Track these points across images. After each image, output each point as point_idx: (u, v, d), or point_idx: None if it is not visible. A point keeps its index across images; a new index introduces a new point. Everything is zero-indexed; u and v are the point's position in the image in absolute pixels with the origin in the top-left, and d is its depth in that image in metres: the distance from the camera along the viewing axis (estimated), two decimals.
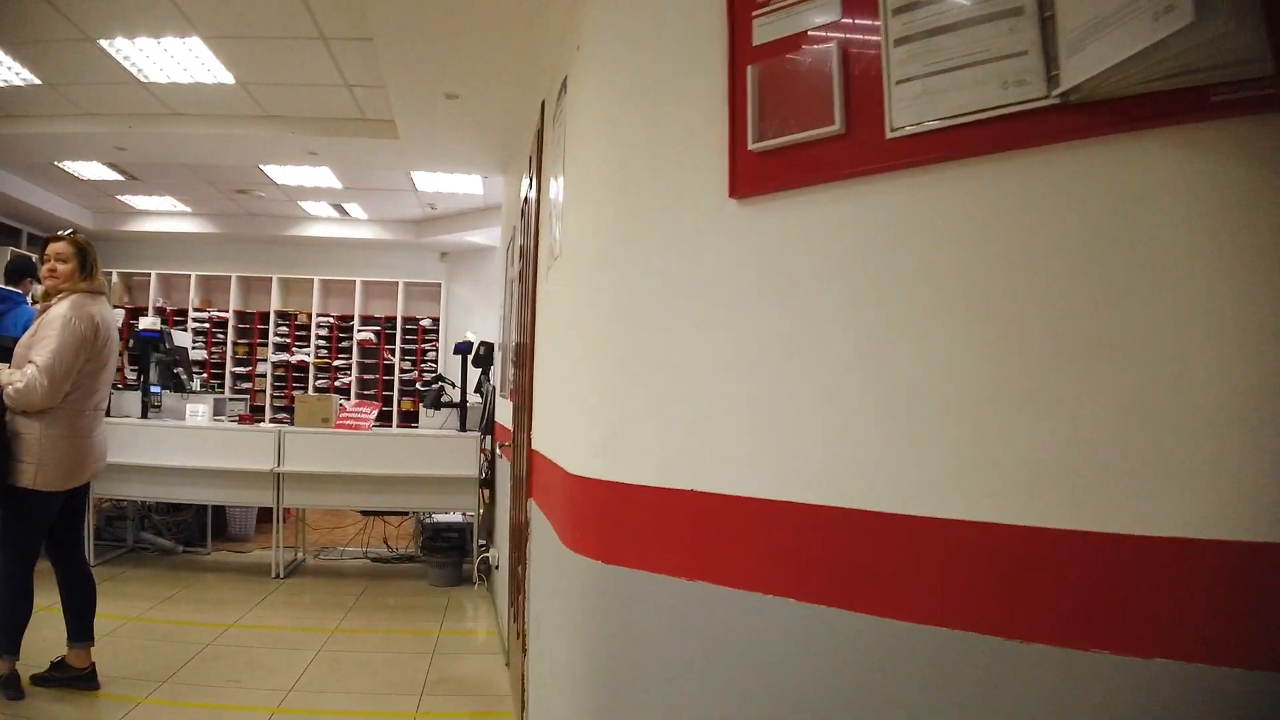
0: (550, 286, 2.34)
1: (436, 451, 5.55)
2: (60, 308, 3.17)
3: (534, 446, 2.52)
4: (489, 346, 5.93)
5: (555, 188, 2.33)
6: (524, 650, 2.73)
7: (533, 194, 3.16)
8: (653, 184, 1.50)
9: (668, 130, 1.48)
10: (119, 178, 8.08)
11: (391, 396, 10.34)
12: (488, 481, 5.39)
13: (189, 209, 9.66)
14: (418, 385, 10.26)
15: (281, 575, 5.51)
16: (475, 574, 5.49)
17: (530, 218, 3.22)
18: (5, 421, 3.09)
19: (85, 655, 3.35)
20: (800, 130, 1.24)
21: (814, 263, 1.25)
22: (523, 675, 2.78)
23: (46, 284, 3.29)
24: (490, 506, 5.45)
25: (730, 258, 1.36)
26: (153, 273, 10.39)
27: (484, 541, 5.52)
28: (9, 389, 3.07)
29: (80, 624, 3.35)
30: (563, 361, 2.05)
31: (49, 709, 3.16)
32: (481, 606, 5.02)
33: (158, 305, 10.23)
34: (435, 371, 10.24)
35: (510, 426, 3.80)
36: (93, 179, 8.17)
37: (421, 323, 10.51)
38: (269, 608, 4.79)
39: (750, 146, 1.32)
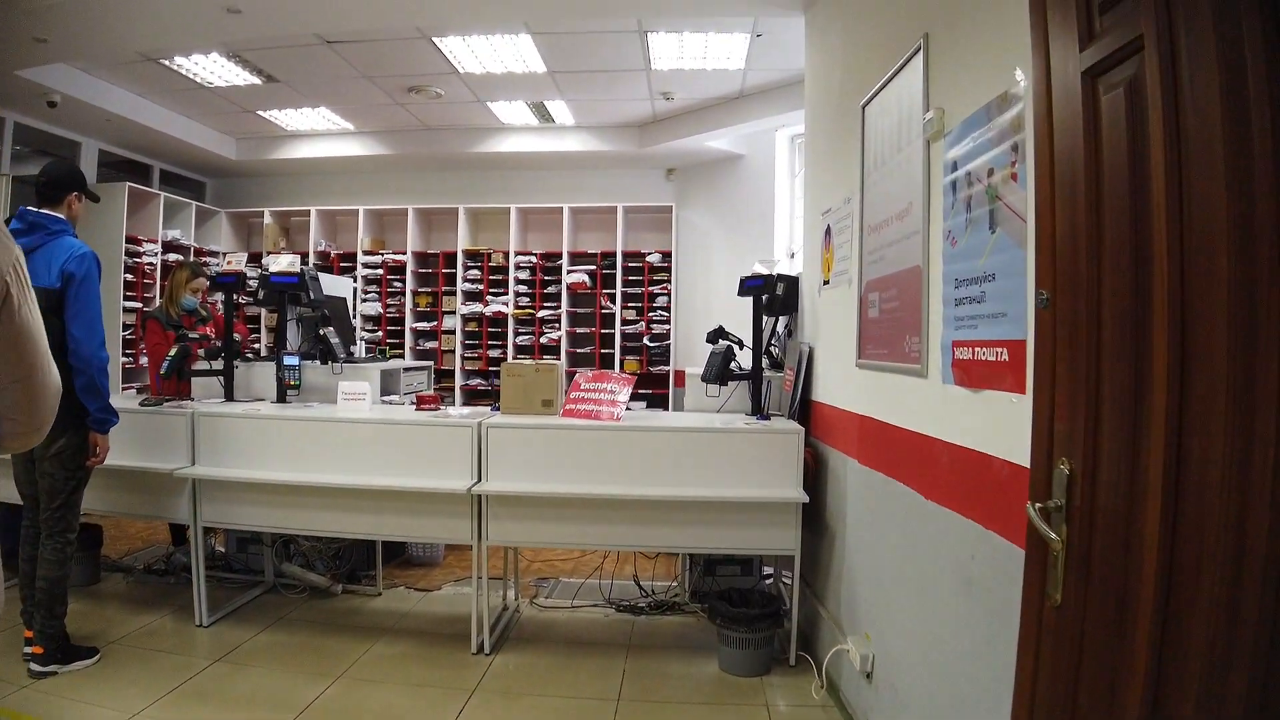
0: None
1: (733, 454, 3.23)
2: None
3: None
4: (791, 283, 4.00)
5: None
6: None
7: None
8: None
9: None
10: (254, 80, 6.18)
11: (612, 356, 8.01)
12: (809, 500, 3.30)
13: (349, 125, 7.67)
14: (645, 340, 7.95)
15: (487, 650, 3.41)
16: (796, 654, 3.34)
17: None
18: None
19: None
20: None
21: None
22: None
23: None
24: (818, 542, 3.43)
25: None
26: (312, 209, 8.29)
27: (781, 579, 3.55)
28: None
29: None
30: None
31: None
32: None
33: (320, 249, 8.39)
34: (667, 320, 7.92)
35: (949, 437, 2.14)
36: (221, 86, 6.34)
37: (648, 259, 8.00)
38: None
39: None
